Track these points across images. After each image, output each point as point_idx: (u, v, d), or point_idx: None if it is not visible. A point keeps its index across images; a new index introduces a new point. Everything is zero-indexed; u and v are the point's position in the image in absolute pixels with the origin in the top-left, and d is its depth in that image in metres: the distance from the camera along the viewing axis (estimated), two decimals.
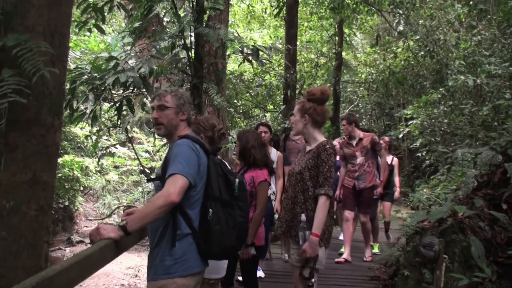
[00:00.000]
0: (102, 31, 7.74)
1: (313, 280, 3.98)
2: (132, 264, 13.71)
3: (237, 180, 3.25)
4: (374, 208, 9.03)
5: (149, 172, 17.32)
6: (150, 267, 3.10)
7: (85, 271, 2.53)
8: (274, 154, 7.00)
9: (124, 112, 8.13)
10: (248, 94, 18.12)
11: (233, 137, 10.42)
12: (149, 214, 2.80)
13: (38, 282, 2.07)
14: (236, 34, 9.43)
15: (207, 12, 8.09)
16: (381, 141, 9.27)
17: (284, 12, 15.02)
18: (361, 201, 8.06)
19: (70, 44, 15.86)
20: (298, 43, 16.71)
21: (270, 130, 7.22)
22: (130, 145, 16.83)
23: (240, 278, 5.54)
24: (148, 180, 3.37)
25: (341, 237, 9.75)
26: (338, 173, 8.34)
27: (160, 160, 19.72)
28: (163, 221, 3.00)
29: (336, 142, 8.73)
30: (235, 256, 4.98)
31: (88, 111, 7.19)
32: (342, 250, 8.43)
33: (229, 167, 3.54)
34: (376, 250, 8.85)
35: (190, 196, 3.01)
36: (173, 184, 2.82)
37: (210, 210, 3.06)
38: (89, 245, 2.77)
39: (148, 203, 2.89)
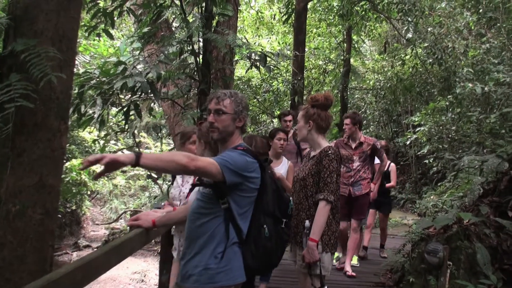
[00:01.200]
0: (110, 36, 7.78)
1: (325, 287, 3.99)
2: (138, 269, 13.75)
3: (291, 198, 3.22)
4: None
5: (156, 177, 17.36)
6: (190, 274, 3.00)
7: (90, 275, 2.55)
8: (285, 163, 6.24)
9: (132, 117, 8.17)
10: (255, 100, 18.16)
11: None
12: (164, 162, 2.64)
13: (42, 285, 2.09)
14: (245, 40, 9.48)
15: (216, 18, 8.14)
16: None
17: (293, 19, 15.07)
18: (355, 207, 7.39)
19: (80, 49, 16.01)
20: (306, 49, 16.76)
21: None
22: (137, 149, 16.90)
23: None
24: (194, 186, 3.30)
25: None
26: None
27: None
28: (209, 228, 2.96)
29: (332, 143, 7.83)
30: None
31: (96, 115, 7.22)
32: (337, 255, 7.88)
33: None
34: (354, 261, 7.93)
35: (241, 205, 2.98)
36: (203, 160, 2.77)
37: (265, 226, 3.03)
38: (96, 249, 2.78)
39: (170, 152, 2.86)
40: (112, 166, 2.46)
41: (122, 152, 16.83)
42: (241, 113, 3.14)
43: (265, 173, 3.11)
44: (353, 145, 7.35)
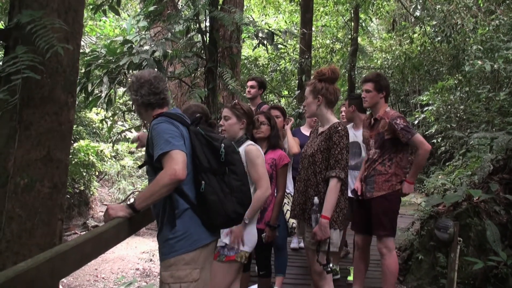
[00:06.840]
0: (117, 13, 7.73)
1: (330, 265, 3.96)
2: (147, 248, 13.83)
3: (222, 145, 3.09)
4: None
5: None
6: (159, 248, 3.10)
7: (99, 248, 2.56)
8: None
9: None
10: None
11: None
12: (156, 193, 2.79)
13: (51, 257, 2.08)
14: (251, 19, 9.39)
15: None
16: None
17: None
18: (372, 216, 5.02)
19: (86, 29, 15.95)
20: (313, 28, 16.63)
21: (283, 115, 6.07)
22: (144, 130, 16.91)
23: None
24: (139, 167, 3.34)
25: (293, 245, 7.67)
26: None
27: None
28: (160, 203, 2.99)
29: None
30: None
31: (103, 94, 7.20)
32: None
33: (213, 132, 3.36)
34: (350, 277, 6.10)
35: None
36: (175, 161, 2.76)
37: (203, 182, 2.98)
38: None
39: (154, 181, 2.83)
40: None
41: (130, 132, 16.87)
42: (137, 94, 3.18)
43: (189, 131, 3.09)
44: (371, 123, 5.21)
